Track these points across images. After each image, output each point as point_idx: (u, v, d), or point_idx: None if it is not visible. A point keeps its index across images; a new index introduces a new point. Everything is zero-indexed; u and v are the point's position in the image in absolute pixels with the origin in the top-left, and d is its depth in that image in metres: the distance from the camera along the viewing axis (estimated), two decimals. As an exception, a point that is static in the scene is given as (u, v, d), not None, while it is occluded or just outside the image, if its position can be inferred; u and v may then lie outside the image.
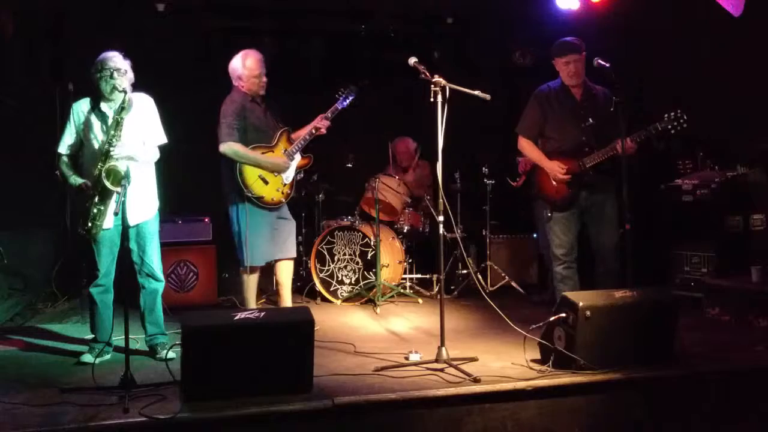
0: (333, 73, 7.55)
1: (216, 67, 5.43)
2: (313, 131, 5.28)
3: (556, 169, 5.14)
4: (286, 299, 5.41)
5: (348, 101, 5.38)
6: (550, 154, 5.21)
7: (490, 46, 7.71)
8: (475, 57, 7.80)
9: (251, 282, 5.25)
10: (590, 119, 5.12)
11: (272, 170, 5.14)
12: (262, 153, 5.12)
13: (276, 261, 5.33)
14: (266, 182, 5.10)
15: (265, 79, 5.18)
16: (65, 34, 6.64)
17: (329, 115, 5.32)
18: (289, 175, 5.24)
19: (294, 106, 5.73)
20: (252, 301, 5.31)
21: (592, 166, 5.08)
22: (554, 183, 5.17)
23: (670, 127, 4.82)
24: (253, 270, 5.20)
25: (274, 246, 5.23)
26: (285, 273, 5.38)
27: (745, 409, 4.04)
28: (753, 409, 4.05)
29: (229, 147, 4.99)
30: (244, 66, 5.10)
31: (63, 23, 6.64)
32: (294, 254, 5.42)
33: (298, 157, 5.30)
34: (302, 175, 6.59)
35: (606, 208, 5.16)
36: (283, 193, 5.20)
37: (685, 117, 4.77)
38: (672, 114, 4.81)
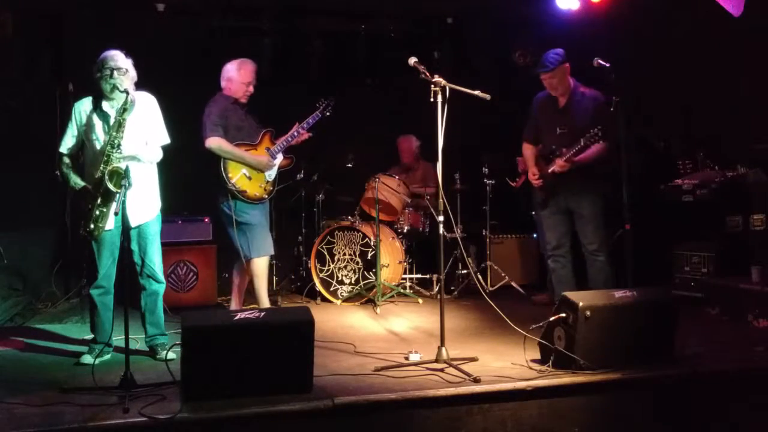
0: (333, 73, 7.55)
1: (216, 67, 5.44)
2: (290, 139, 5.45)
3: (531, 172, 5.62)
4: (236, 298, 5.54)
5: (327, 112, 5.54)
6: (538, 158, 5.65)
7: (490, 46, 7.71)
8: (475, 57, 7.80)
9: (261, 273, 5.37)
10: (558, 129, 5.45)
11: (256, 167, 5.32)
12: (246, 150, 5.31)
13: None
14: (249, 178, 5.29)
15: (251, 89, 5.42)
16: (65, 34, 6.64)
17: (305, 125, 5.48)
18: (271, 173, 5.44)
19: (294, 107, 5.73)
20: (265, 293, 5.44)
21: (552, 173, 5.46)
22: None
23: (588, 143, 5.17)
24: (261, 260, 5.36)
25: (269, 239, 5.43)
26: (245, 271, 5.51)
27: (744, 410, 4.04)
28: (753, 410, 4.05)
29: (214, 142, 5.20)
30: (238, 72, 5.38)
31: (63, 23, 6.64)
32: (272, 252, 5.63)
33: (280, 157, 5.47)
34: (302, 175, 6.63)
35: (583, 209, 5.43)
36: (265, 189, 5.39)
37: (600, 134, 5.11)
38: (593, 131, 5.13)
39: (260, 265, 5.37)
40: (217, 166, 5.23)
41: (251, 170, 5.30)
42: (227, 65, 5.43)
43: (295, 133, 5.47)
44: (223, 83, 5.41)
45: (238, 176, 5.25)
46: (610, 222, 5.51)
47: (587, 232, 5.39)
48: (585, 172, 5.29)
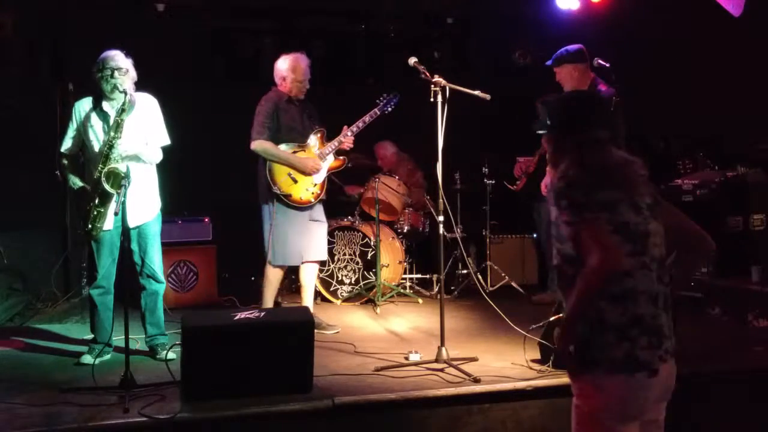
0: (333, 73, 7.54)
1: (216, 67, 5.44)
2: (336, 144, 5.25)
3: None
4: (306, 301, 5.37)
5: (388, 108, 5.32)
6: None
7: (490, 46, 7.71)
8: (475, 57, 7.80)
9: (272, 280, 5.23)
10: None
11: (301, 169, 5.13)
12: (293, 152, 5.14)
13: (302, 262, 5.31)
14: (295, 181, 5.11)
15: (307, 84, 5.22)
16: (65, 34, 6.63)
17: (354, 129, 5.26)
18: (319, 176, 5.22)
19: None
20: (270, 299, 5.26)
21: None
22: None
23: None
24: (276, 268, 5.20)
25: (302, 248, 5.21)
26: (308, 275, 5.36)
27: (744, 410, 4.04)
28: (753, 410, 4.05)
29: (259, 144, 5.05)
30: (292, 69, 5.16)
31: (63, 23, 6.64)
32: (323, 257, 5.44)
33: (330, 159, 5.28)
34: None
35: None
36: (313, 193, 5.19)
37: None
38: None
39: (273, 272, 5.21)
40: (263, 169, 5.08)
41: (297, 173, 5.12)
42: (279, 61, 5.21)
43: (337, 142, 5.23)
44: (277, 80, 5.21)
45: (283, 179, 5.06)
46: None
47: None
48: None
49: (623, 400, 2.37)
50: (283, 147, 5.12)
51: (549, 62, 5.31)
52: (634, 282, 2.38)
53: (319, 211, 5.32)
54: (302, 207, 5.16)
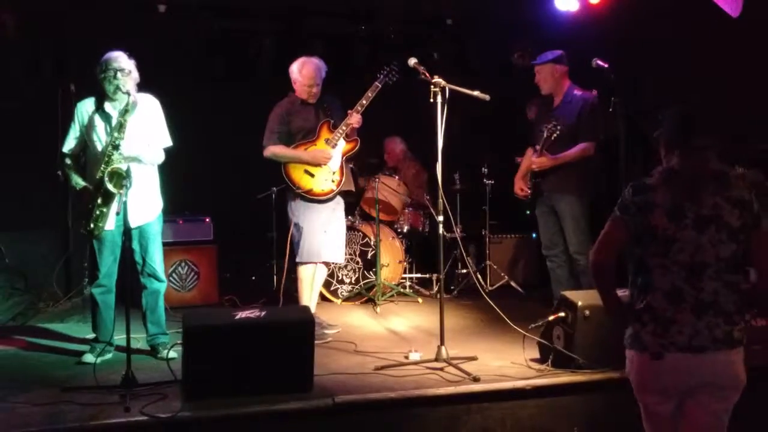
0: (332, 74, 7.54)
1: (216, 68, 5.44)
2: (345, 127, 5.20)
3: (518, 186, 5.59)
4: (306, 301, 5.32)
5: (391, 78, 5.22)
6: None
7: (490, 47, 7.71)
8: (475, 58, 7.80)
9: (302, 277, 5.22)
10: (543, 128, 5.30)
11: (314, 162, 5.14)
12: (304, 149, 5.16)
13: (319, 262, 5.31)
14: (312, 175, 5.13)
15: (315, 89, 5.21)
16: (67, 34, 6.64)
17: (359, 108, 5.20)
18: (335, 163, 5.19)
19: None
20: (304, 297, 5.25)
21: (533, 171, 5.39)
22: None
23: (549, 134, 5.22)
24: (303, 266, 5.20)
25: (322, 246, 5.20)
26: (317, 276, 5.35)
27: (743, 410, 4.05)
28: (751, 410, 4.05)
29: (269, 150, 5.12)
30: (300, 73, 5.20)
31: (65, 24, 6.65)
32: (339, 259, 5.45)
33: (341, 144, 5.23)
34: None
35: (561, 209, 5.30)
36: (333, 181, 5.17)
37: (558, 127, 5.16)
38: (552, 123, 5.17)
39: (303, 271, 5.22)
40: (281, 172, 5.14)
41: (311, 167, 5.13)
42: (292, 65, 5.25)
43: (344, 126, 5.16)
44: (292, 84, 5.27)
45: (300, 177, 5.11)
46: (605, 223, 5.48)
47: (567, 233, 5.29)
48: (564, 173, 5.22)
49: (636, 373, 2.78)
50: (291, 146, 5.16)
51: (533, 62, 5.44)
52: (651, 278, 2.71)
53: (338, 208, 5.31)
54: (325, 199, 5.17)
